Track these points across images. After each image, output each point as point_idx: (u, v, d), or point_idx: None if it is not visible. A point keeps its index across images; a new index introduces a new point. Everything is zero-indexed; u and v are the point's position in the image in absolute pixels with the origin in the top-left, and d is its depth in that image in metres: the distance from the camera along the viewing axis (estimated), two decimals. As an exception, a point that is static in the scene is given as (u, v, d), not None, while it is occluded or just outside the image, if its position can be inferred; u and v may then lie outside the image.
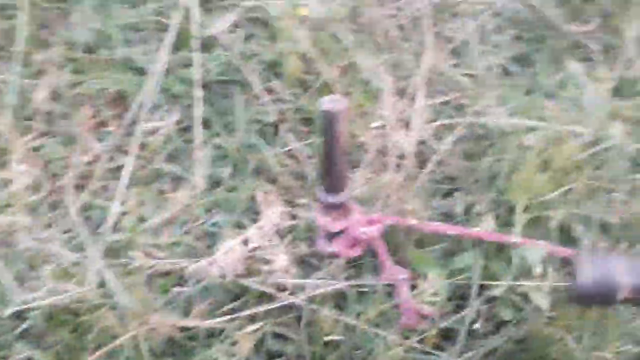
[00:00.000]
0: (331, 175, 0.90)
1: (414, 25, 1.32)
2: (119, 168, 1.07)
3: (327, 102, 0.83)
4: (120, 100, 1.15)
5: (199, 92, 1.14)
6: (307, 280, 0.95)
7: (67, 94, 1.15)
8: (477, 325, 0.89)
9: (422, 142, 1.14)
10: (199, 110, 1.13)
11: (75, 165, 1.05)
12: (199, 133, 1.11)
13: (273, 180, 1.09)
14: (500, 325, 0.93)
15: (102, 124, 1.13)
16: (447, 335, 0.93)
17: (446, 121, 1.16)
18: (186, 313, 0.91)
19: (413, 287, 0.95)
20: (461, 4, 1.41)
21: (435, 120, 1.16)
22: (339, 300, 0.96)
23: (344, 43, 1.19)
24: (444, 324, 0.91)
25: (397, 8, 1.33)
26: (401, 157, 1.10)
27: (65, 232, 1.00)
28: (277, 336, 0.93)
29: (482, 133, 1.16)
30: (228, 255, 0.95)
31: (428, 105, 1.20)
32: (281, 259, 0.95)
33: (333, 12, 1.19)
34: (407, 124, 1.15)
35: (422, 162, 1.11)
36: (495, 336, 0.91)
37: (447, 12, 1.37)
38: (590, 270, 0.85)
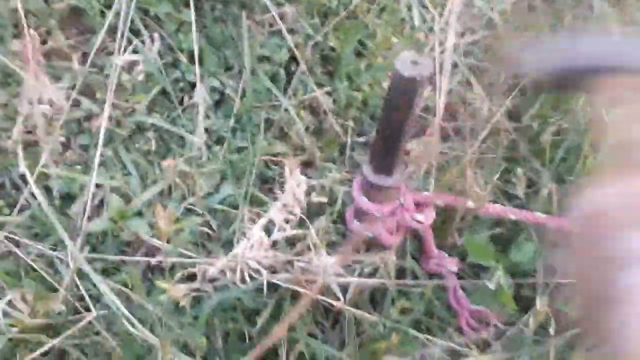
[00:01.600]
0: (388, 154, 0.70)
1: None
2: (86, 120, 0.79)
3: (408, 64, 0.61)
4: (78, 20, 0.83)
5: (189, 14, 0.85)
6: (351, 279, 0.77)
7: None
8: (550, 331, 0.78)
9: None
10: (190, 39, 0.84)
11: (21, 117, 0.75)
12: (192, 71, 0.84)
13: (286, 138, 0.87)
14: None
15: (57, 54, 0.81)
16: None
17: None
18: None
19: (460, 277, 0.81)
20: None
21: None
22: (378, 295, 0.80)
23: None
24: (510, 331, 0.78)
25: None
26: (427, 110, 0.91)
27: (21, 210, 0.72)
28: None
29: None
30: (252, 248, 0.74)
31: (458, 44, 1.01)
32: (318, 254, 0.76)
33: None
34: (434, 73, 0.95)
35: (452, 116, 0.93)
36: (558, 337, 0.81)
37: None
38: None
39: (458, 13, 1.02)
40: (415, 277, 0.81)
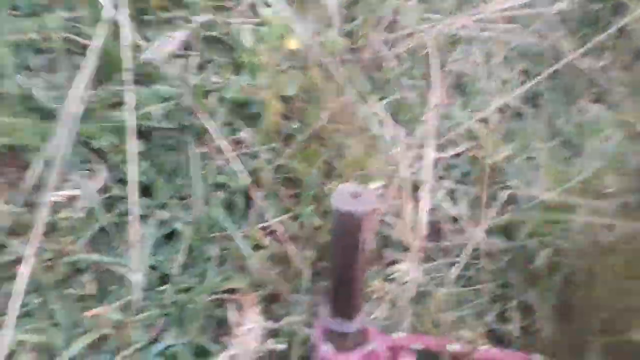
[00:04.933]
0: (344, 296, 0.59)
1: (413, 57, 1.04)
2: (13, 264, 0.70)
3: (347, 198, 0.52)
4: (16, 156, 0.77)
5: (133, 145, 0.79)
6: None
7: None
8: None
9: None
10: (134, 171, 0.77)
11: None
12: (134, 205, 0.76)
13: (245, 271, 0.77)
14: None
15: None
16: None
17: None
18: None
19: None
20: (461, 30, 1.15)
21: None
22: None
23: (336, 81, 0.88)
24: None
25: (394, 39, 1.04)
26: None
27: None
28: None
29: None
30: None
31: (439, 158, 0.93)
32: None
33: (329, 44, 0.88)
34: (415, 187, 0.86)
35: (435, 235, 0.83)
36: None
37: (448, 40, 1.11)
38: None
39: (435, 126, 0.96)
40: None
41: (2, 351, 0.63)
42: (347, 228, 0.52)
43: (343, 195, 0.51)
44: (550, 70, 1.14)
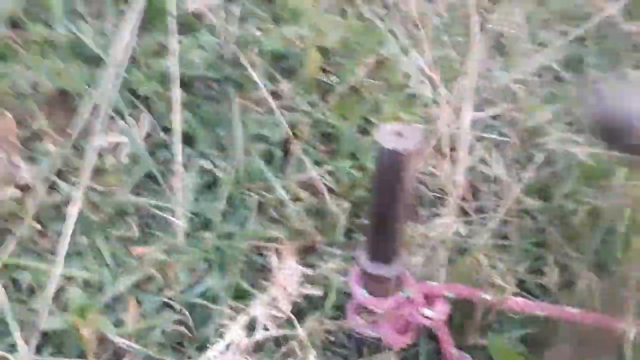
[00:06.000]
0: (383, 238, 0.60)
1: (453, 15, 1.03)
2: (63, 204, 0.73)
3: (392, 136, 0.52)
4: (63, 102, 0.79)
5: (177, 93, 0.80)
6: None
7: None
8: None
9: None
10: (177, 120, 0.79)
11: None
12: (178, 153, 0.78)
13: (283, 222, 0.78)
14: None
15: (35, 137, 0.77)
16: None
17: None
18: None
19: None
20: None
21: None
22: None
23: (377, 32, 0.88)
24: None
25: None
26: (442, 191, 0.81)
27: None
28: None
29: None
30: (227, 351, 0.64)
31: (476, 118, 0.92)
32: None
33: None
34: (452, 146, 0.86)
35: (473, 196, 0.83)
36: None
37: (489, -1, 1.09)
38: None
39: (474, 86, 0.95)
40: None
41: (53, 285, 0.67)
42: (391, 166, 0.52)
43: (387, 133, 0.51)
44: (594, 33, 1.12)
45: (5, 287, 0.67)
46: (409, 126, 0.54)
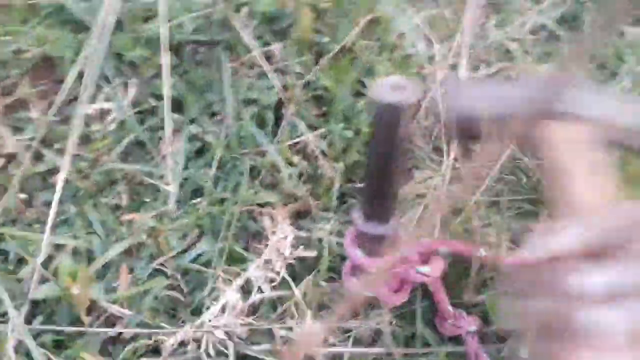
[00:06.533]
0: (379, 197, 0.59)
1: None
2: (49, 174, 0.72)
3: (389, 89, 0.50)
4: (47, 69, 0.78)
5: (167, 58, 0.78)
6: (345, 349, 0.64)
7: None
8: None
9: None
10: (167, 85, 0.78)
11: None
12: (168, 118, 0.76)
13: (276, 187, 0.77)
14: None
15: (21, 104, 0.75)
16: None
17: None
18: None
19: (481, 339, 0.67)
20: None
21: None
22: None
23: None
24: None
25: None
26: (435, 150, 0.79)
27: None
28: None
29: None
30: (223, 314, 0.63)
31: (472, 77, 0.90)
32: (302, 319, 0.64)
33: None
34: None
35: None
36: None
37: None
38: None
39: (469, 44, 0.93)
40: (427, 344, 0.67)
41: (42, 254, 0.66)
42: (388, 121, 0.50)
43: (384, 87, 0.49)
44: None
45: (-7, 257, 0.66)
46: (406, 79, 0.52)
